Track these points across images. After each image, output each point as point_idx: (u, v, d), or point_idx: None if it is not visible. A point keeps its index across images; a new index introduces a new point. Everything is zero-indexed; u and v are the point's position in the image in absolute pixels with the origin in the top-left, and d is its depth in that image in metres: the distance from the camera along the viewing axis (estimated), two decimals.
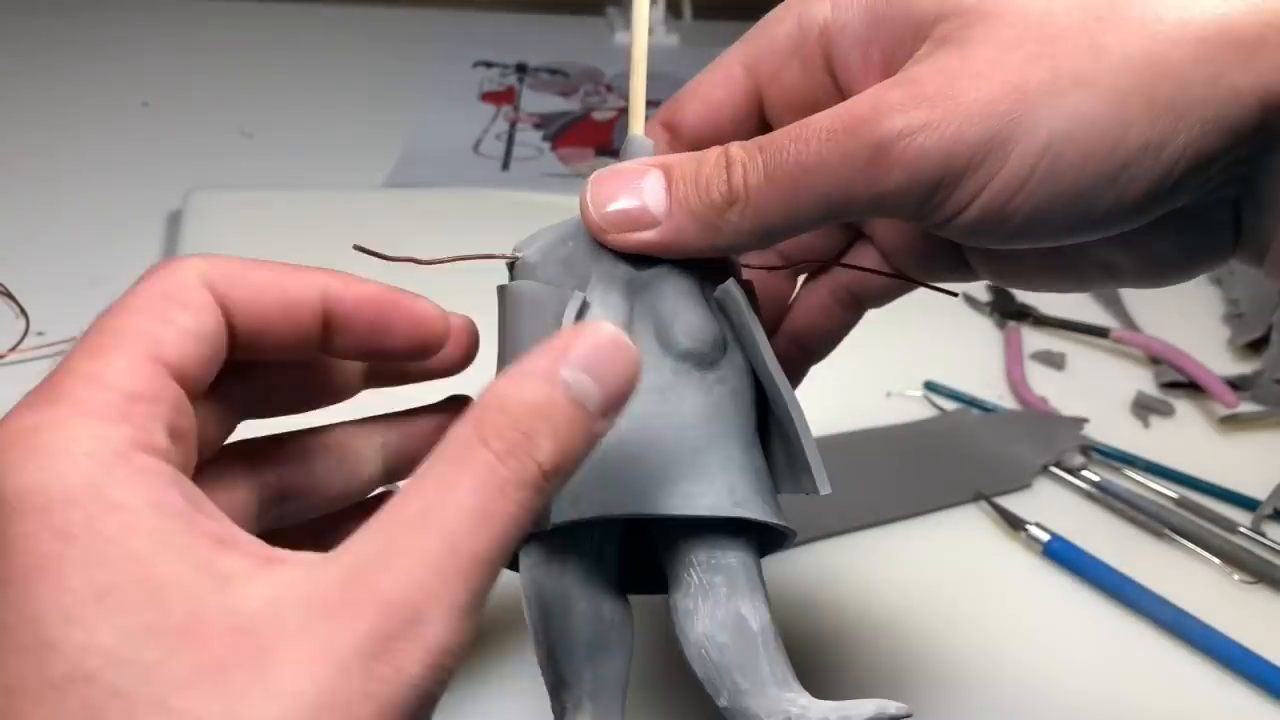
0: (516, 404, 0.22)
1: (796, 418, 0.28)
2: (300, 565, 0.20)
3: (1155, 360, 0.61)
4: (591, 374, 0.22)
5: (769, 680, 0.27)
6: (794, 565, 0.46)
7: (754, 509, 0.28)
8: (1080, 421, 0.55)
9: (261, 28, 0.94)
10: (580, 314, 0.28)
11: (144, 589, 0.19)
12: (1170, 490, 0.53)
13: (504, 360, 0.29)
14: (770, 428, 0.30)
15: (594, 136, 0.83)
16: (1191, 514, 0.51)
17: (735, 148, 0.27)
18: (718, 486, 0.27)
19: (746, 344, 0.29)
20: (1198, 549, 0.49)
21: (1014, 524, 0.49)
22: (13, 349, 0.56)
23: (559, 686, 0.28)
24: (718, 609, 0.27)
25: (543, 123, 0.85)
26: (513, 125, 0.84)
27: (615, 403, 0.23)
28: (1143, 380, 0.60)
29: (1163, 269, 0.29)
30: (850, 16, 0.28)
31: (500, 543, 0.21)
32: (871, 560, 0.47)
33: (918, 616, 0.45)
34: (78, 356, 0.22)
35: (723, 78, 0.31)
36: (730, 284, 0.29)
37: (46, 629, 0.19)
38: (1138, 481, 0.53)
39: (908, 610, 0.45)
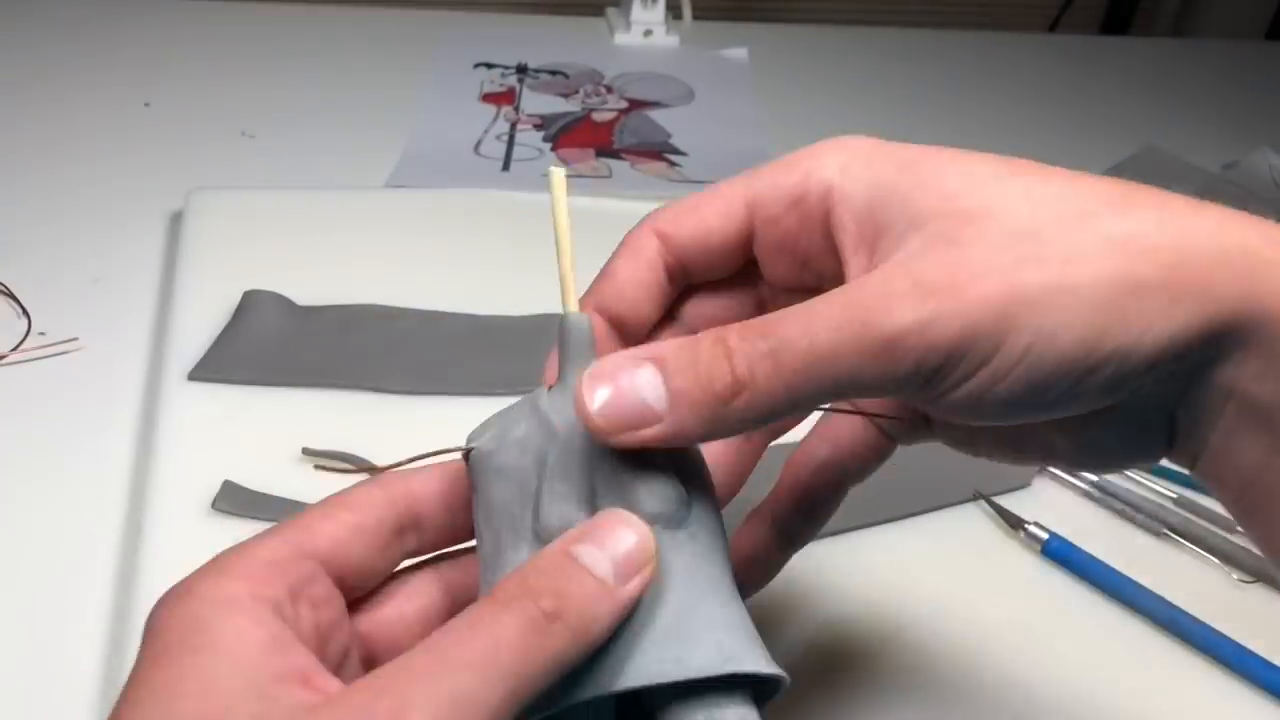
0: (529, 570, 0.26)
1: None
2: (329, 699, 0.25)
3: None
4: (598, 545, 0.27)
5: None
6: (793, 564, 0.47)
7: (744, 662, 0.28)
8: None
9: (262, 28, 0.94)
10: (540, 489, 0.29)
11: (193, 687, 0.24)
12: (1169, 489, 0.53)
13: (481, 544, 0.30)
14: None
15: (594, 137, 0.83)
16: (1190, 513, 0.51)
17: (733, 338, 0.28)
18: (706, 645, 0.27)
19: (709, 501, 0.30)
20: (1196, 548, 0.49)
21: (1013, 523, 0.49)
22: (14, 349, 0.56)
23: None
24: None
25: (543, 123, 0.85)
26: (513, 126, 0.84)
27: (626, 567, 0.27)
28: None
29: (1098, 456, 0.32)
30: (855, 189, 0.30)
31: (491, 665, 0.24)
32: (871, 560, 0.47)
33: (917, 615, 0.45)
34: (255, 537, 0.28)
35: (723, 206, 0.32)
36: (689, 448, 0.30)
37: (121, 713, 0.24)
38: (1136, 480, 0.53)
39: (907, 609, 0.45)
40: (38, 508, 0.48)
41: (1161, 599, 0.45)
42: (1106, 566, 0.47)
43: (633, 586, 0.27)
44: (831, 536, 0.48)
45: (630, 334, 0.33)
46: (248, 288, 0.58)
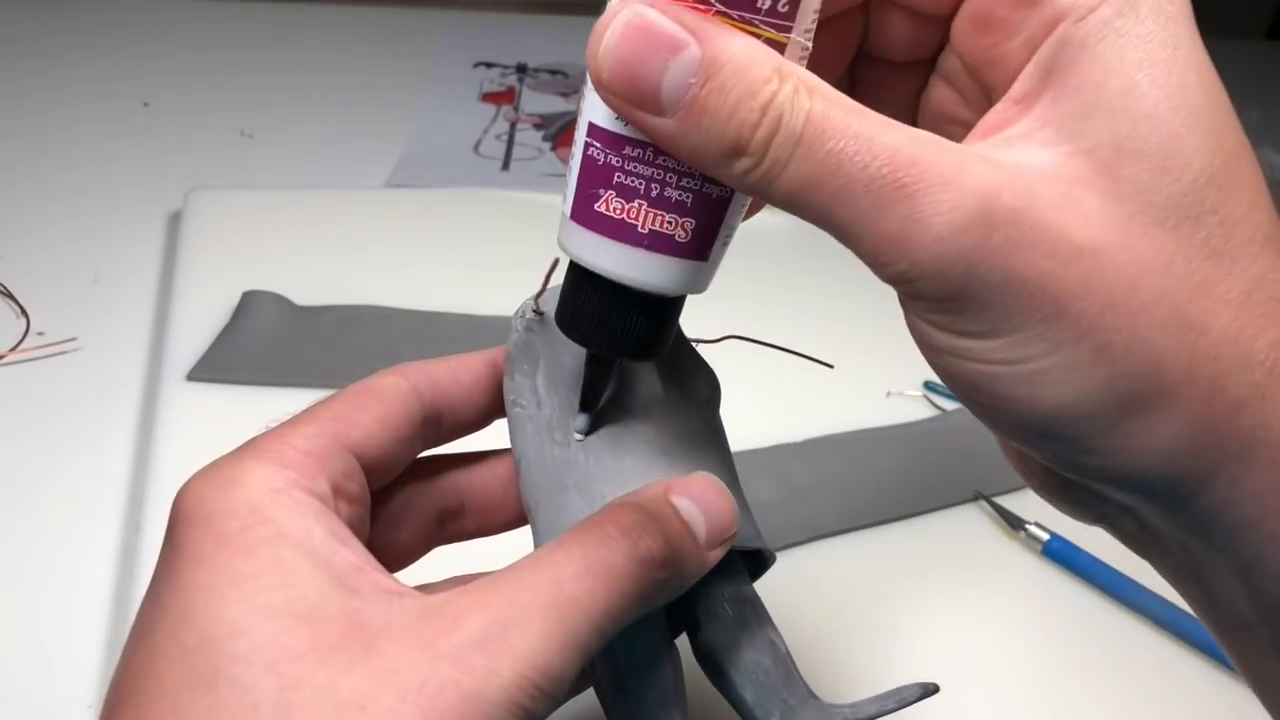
0: (634, 505, 0.26)
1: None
2: (418, 595, 0.24)
3: None
4: (697, 504, 0.27)
5: (807, 695, 0.29)
6: (794, 564, 0.46)
7: (762, 540, 0.29)
8: None
9: (262, 28, 0.94)
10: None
11: (277, 579, 0.23)
12: None
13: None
14: None
15: None
16: None
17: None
18: (747, 521, 0.29)
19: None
20: None
21: (1013, 523, 0.49)
22: (13, 349, 0.56)
23: None
24: (755, 636, 0.29)
25: (543, 123, 0.85)
26: (513, 125, 0.84)
27: (717, 537, 0.27)
28: None
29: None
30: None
31: (601, 595, 0.24)
32: (871, 560, 0.47)
33: (917, 615, 0.45)
34: (284, 424, 0.27)
35: None
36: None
37: (189, 603, 0.23)
38: None
39: (907, 609, 0.45)
40: (38, 507, 0.48)
41: (1161, 598, 0.45)
42: (1106, 566, 0.47)
43: (716, 554, 0.27)
44: (832, 536, 0.48)
45: None
46: (247, 288, 0.58)
